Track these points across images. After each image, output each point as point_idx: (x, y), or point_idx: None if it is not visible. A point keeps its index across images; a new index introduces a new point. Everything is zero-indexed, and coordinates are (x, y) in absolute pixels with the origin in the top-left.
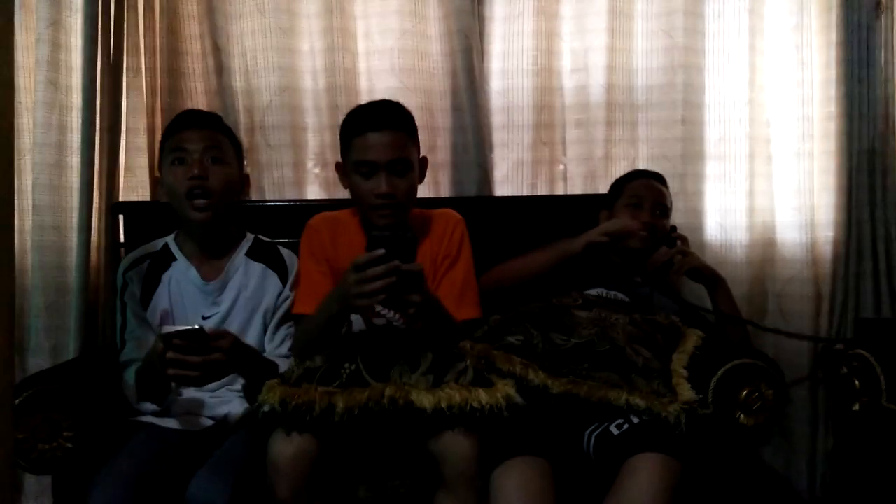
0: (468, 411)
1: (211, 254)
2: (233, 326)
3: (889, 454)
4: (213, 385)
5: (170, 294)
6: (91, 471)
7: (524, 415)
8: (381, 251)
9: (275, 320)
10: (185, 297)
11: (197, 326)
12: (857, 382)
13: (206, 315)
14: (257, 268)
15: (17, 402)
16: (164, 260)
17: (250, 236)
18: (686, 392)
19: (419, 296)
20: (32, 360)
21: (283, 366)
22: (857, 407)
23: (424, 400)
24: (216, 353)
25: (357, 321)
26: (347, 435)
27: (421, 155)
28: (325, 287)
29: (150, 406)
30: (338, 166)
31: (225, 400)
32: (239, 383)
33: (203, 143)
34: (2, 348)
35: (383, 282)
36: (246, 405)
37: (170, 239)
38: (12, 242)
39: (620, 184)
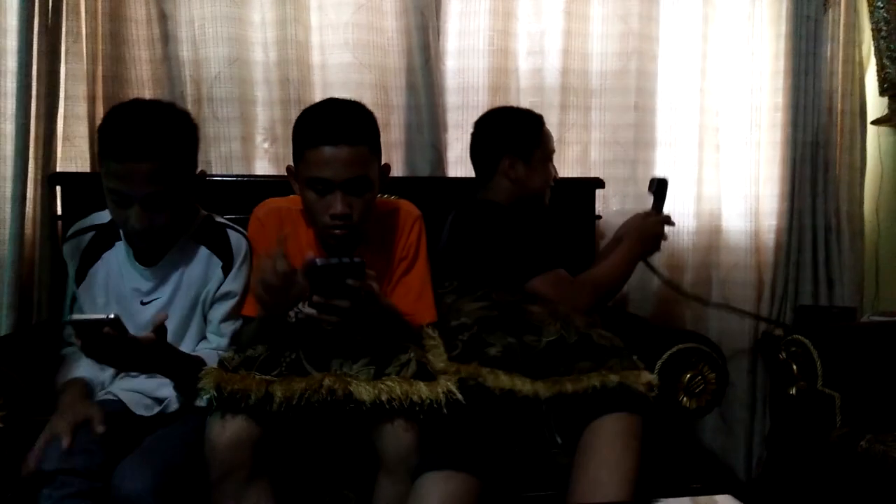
0: (408, 405)
1: (156, 237)
2: (175, 315)
3: (823, 437)
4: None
5: (108, 274)
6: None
7: (462, 418)
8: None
9: (217, 313)
10: (125, 280)
11: (112, 316)
12: (794, 367)
13: (144, 301)
14: (203, 252)
15: None
16: (108, 236)
17: (202, 215)
18: (644, 372)
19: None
20: None
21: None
22: (794, 391)
23: (364, 392)
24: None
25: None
26: (289, 423)
27: (383, 162)
28: None
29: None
30: (289, 170)
31: (164, 383)
32: None
33: (142, 188)
34: None
35: (338, 317)
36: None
37: None
38: None
39: (533, 126)
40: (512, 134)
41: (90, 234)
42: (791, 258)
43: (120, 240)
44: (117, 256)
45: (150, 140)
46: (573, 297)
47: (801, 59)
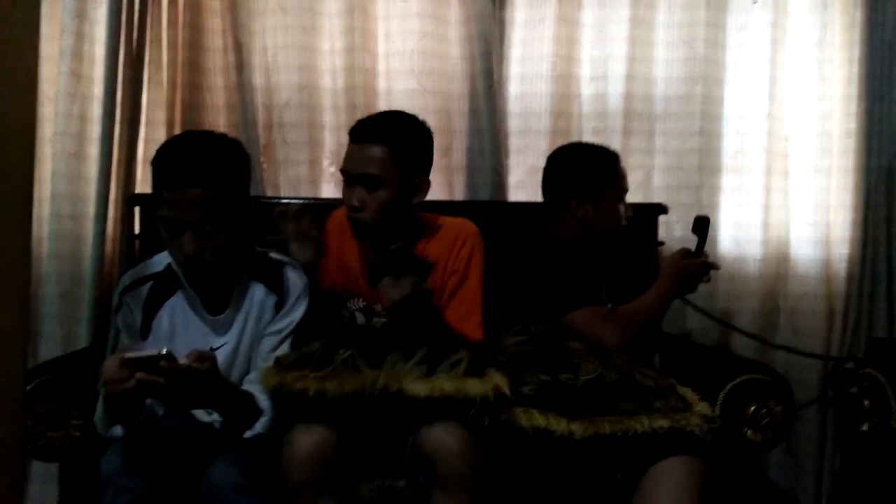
0: (460, 401)
1: (216, 281)
2: (240, 357)
3: None
4: None
5: (172, 323)
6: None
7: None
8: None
9: (265, 346)
10: (191, 329)
11: (164, 352)
12: (866, 402)
13: (214, 346)
14: (260, 291)
15: (28, 388)
16: (168, 285)
17: (258, 253)
18: (699, 404)
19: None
20: (45, 347)
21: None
22: (865, 427)
23: (417, 388)
24: (188, 379)
25: (359, 317)
26: (348, 425)
27: (425, 176)
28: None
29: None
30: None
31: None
32: None
33: (194, 213)
34: (14, 336)
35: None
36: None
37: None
38: (29, 231)
39: (605, 166)
40: (581, 175)
41: (148, 285)
42: (864, 288)
43: (181, 287)
44: (181, 305)
45: (199, 166)
46: (604, 333)
47: (875, 85)
